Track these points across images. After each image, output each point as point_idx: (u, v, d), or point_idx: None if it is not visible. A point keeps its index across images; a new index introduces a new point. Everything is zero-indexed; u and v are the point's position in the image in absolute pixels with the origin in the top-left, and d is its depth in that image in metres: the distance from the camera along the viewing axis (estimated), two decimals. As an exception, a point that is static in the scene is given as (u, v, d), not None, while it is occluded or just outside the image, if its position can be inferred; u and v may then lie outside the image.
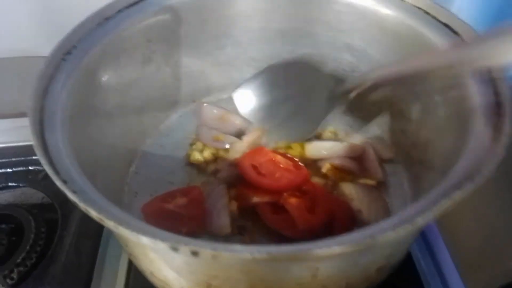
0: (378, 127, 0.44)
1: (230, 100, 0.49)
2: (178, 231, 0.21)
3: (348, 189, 0.39)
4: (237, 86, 0.49)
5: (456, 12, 0.55)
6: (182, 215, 0.37)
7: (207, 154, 0.43)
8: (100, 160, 0.36)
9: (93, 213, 0.22)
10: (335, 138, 0.45)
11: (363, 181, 0.40)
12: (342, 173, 0.41)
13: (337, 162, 0.41)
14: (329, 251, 0.19)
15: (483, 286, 0.40)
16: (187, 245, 0.20)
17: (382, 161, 0.42)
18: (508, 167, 0.45)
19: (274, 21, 0.44)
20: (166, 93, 0.46)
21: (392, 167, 0.42)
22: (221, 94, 0.50)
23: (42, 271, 0.38)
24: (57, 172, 0.25)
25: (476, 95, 0.30)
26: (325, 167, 0.41)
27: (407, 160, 0.41)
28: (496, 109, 0.27)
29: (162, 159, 0.44)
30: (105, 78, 0.37)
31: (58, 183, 0.24)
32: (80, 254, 0.41)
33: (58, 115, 0.30)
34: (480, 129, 0.27)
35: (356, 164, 0.41)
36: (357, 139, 0.44)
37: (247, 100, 0.45)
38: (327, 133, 0.45)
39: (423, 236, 0.41)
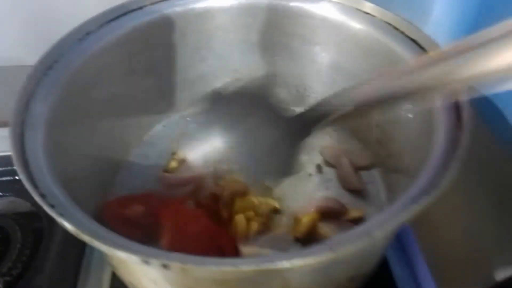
0: (353, 136, 0.46)
1: (212, 110, 0.50)
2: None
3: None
4: (219, 96, 0.51)
5: (434, 23, 0.58)
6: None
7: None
8: (83, 173, 0.37)
9: (69, 227, 0.23)
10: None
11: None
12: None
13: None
14: (293, 264, 0.20)
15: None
16: (158, 258, 0.21)
17: (358, 168, 0.43)
18: (487, 174, 0.47)
19: (252, 34, 0.46)
20: (150, 104, 0.47)
21: (369, 175, 0.44)
22: (204, 105, 0.51)
23: (27, 281, 0.39)
24: (35, 186, 0.26)
25: (440, 110, 0.31)
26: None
27: (383, 168, 0.43)
28: (457, 122, 0.29)
29: (147, 169, 0.45)
30: (87, 91, 0.38)
31: (36, 197, 0.25)
32: (66, 264, 0.42)
33: (39, 130, 0.31)
34: (441, 143, 0.28)
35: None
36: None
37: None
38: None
39: (399, 242, 0.43)
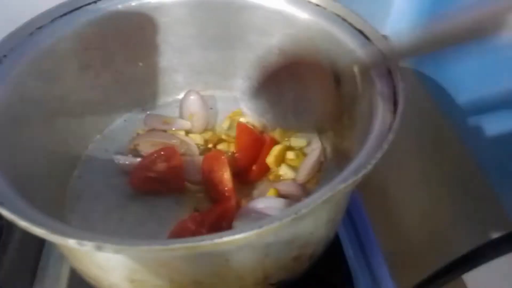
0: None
1: (176, 103, 0.51)
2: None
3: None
4: (181, 90, 0.52)
5: (394, 18, 0.59)
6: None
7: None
8: (37, 167, 0.37)
9: (6, 214, 0.23)
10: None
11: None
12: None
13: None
14: (218, 243, 0.21)
15: (412, 279, 0.43)
16: (92, 240, 0.21)
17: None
18: (443, 157, 0.49)
19: (209, 27, 0.46)
20: (109, 98, 0.47)
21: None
22: (166, 98, 0.52)
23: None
24: None
25: (381, 90, 0.33)
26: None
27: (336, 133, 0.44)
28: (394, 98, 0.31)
29: (107, 163, 0.45)
30: (40, 86, 0.38)
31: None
32: (24, 260, 0.42)
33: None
34: (376, 126, 0.30)
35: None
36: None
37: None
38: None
39: (352, 225, 0.44)
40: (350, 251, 0.43)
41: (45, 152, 0.39)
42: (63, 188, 0.42)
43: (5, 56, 0.35)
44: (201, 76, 0.51)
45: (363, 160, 0.27)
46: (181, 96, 0.52)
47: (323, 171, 0.43)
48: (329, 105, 0.37)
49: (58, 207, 0.41)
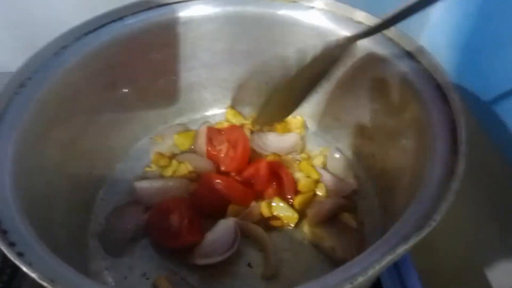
0: (348, 149, 0.44)
1: (202, 120, 0.49)
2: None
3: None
4: (209, 106, 0.49)
5: (432, 28, 0.56)
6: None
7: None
8: (59, 191, 0.36)
9: (28, 271, 0.21)
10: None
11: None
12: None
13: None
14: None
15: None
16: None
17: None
18: (486, 183, 0.46)
19: (240, 42, 0.43)
20: (134, 116, 0.45)
21: (364, 192, 0.42)
22: (193, 115, 0.50)
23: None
24: (4, 231, 0.24)
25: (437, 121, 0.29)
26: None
27: (377, 186, 0.41)
28: (453, 145, 0.27)
29: (131, 183, 0.43)
30: (64, 106, 0.36)
31: (5, 248, 0.23)
32: None
33: (10, 151, 0.30)
34: (436, 168, 0.26)
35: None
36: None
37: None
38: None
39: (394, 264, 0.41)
40: (387, 282, 0.40)
41: (68, 175, 0.37)
42: (86, 212, 0.41)
43: (29, 78, 0.33)
44: (229, 92, 0.49)
45: (423, 211, 0.23)
46: (209, 112, 0.50)
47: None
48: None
49: (80, 231, 0.39)
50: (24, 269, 0.22)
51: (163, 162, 0.44)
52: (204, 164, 0.44)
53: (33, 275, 0.21)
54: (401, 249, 0.21)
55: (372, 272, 0.20)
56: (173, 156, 0.45)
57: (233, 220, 0.38)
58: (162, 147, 0.46)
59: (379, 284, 0.39)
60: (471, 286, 0.50)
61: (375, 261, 0.20)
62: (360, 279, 0.19)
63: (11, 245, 0.23)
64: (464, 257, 0.52)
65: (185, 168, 0.43)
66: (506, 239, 0.43)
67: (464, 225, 0.51)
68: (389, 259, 0.20)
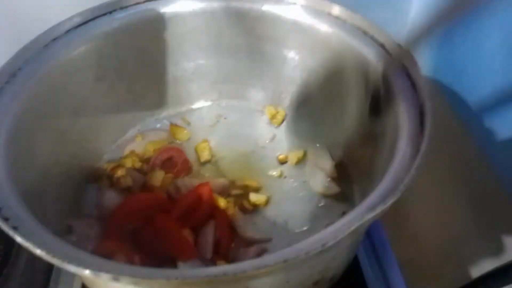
0: (327, 140, 0.46)
1: (189, 112, 0.50)
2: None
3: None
4: (195, 99, 0.51)
5: (410, 27, 0.58)
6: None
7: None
8: (52, 180, 0.37)
9: (21, 241, 0.23)
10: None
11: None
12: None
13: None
14: (240, 276, 0.20)
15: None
16: (108, 272, 0.21)
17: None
18: (461, 169, 0.48)
19: (225, 38, 0.45)
20: (122, 109, 0.46)
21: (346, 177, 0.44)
22: (180, 107, 0.51)
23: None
24: None
25: (407, 107, 0.31)
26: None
27: (355, 172, 0.43)
28: (419, 128, 0.29)
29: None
30: (55, 98, 0.38)
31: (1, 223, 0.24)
32: (36, 272, 0.41)
33: (2, 139, 0.31)
34: (403, 147, 0.28)
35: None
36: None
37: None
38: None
39: (371, 243, 0.43)
40: (367, 269, 0.42)
41: (59, 164, 0.38)
42: (77, 200, 0.42)
43: (20, 69, 0.35)
44: (215, 85, 0.51)
45: (390, 184, 0.26)
46: (195, 105, 0.51)
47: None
48: (361, 121, 0.36)
49: (74, 214, 0.40)
50: (19, 239, 0.23)
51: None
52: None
53: (27, 244, 0.22)
54: (368, 216, 0.22)
55: (342, 236, 0.22)
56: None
57: None
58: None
59: (362, 277, 0.40)
60: (451, 276, 0.52)
61: (345, 228, 0.22)
62: (331, 243, 0.21)
63: (5, 220, 0.24)
64: (443, 248, 0.54)
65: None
66: (485, 230, 0.45)
67: (444, 217, 0.53)
68: (357, 225, 0.22)
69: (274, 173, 0.45)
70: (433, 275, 0.55)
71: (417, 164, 0.25)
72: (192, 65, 0.48)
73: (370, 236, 0.43)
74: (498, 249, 0.44)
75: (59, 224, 0.36)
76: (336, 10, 0.40)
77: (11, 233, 0.23)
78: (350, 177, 0.43)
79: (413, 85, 0.33)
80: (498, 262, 0.43)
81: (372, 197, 0.25)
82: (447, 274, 0.53)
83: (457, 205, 0.50)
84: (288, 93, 0.49)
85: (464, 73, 0.46)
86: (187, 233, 0.37)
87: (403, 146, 0.29)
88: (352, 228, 0.22)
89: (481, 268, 0.47)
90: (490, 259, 0.45)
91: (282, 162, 0.46)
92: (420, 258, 0.56)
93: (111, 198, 0.41)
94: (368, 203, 0.25)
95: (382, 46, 0.36)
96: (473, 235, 0.47)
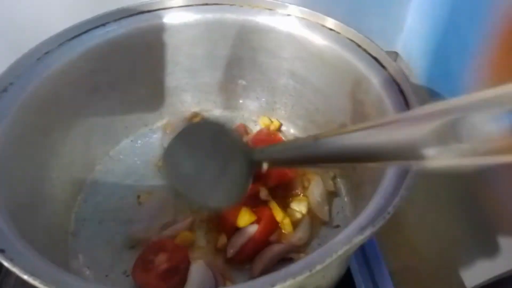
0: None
1: (182, 123, 0.50)
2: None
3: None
4: (189, 109, 0.51)
5: (407, 31, 0.58)
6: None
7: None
8: (42, 194, 0.37)
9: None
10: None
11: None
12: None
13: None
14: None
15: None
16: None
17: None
18: (453, 180, 0.48)
19: (220, 48, 0.45)
20: (116, 119, 0.46)
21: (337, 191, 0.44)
22: (173, 117, 0.51)
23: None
24: None
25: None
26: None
27: (347, 184, 0.43)
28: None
29: (113, 185, 0.45)
30: (46, 112, 0.37)
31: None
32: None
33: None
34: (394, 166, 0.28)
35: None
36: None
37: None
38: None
39: (363, 253, 0.43)
40: (358, 278, 0.41)
41: (50, 178, 0.38)
42: (67, 212, 0.42)
43: (11, 83, 0.35)
44: (210, 96, 0.50)
45: (380, 205, 0.26)
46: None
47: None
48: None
49: (62, 231, 0.40)
50: (6, 264, 0.23)
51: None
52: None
53: (14, 269, 0.22)
54: (357, 239, 0.22)
55: (329, 261, 0.22)
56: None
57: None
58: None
59: (353, 284, 0.40)
60: (445, 284, 0.52)
61: (333, 251, 0.22)
62: (318, 267, 0.21)
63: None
64: (437, 256, 0.54)
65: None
66: (477, 238, 0.45)
67: (437, 225, 0.53)
68: (345, 248, 0.22)
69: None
70: (426, 283, 0.55)
71: (406, 185, 0.25)
72: (186, 76, 0.48)
73: (362, 246, 0.43)
74: (493, 259, 0.44)
75: (49, 238, 0.36)
76: (330, 23, 0.40)
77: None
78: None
79: (406, 101, 0.33)
80: (493, 271, 0.43)
81: (362, 217, 0.25)
82: (440, 283, 0.53)
83: (451, 214, 0.50)
84: (282, 104, 0.49)
85: (459, 83, 0.46)
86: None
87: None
88: (340, 252, 0.22)
89: (475, 278, 0.47)
90: (484, 268, 0.45)
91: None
92: (414, 266, 0.56)
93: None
94: (358, 224, 0.24)
95: (375, 59, 0.36)
96: (468, 244, 0.47)
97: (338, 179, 0.44)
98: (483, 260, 0.45)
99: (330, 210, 0.42)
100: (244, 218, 0.38)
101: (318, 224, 0.41)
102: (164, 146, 0.47)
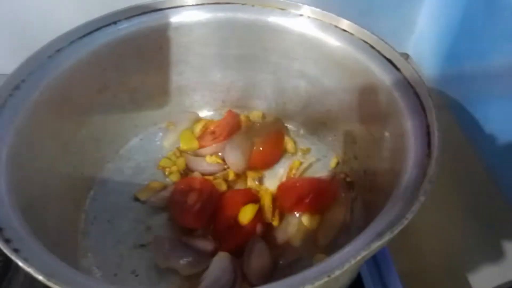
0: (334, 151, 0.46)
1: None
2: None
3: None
4: (199, 108, 0.51)
5: (419, 34, 0.58)
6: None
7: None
8: (52, 191, 0.37)
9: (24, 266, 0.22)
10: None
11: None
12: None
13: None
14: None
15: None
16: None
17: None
18: (466, 187, 0.47)
19: (230, 48, 0.45)
20: (125, 118, 0.46)
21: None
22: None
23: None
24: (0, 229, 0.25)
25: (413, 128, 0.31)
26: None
27: (359, 187, 0.43)
28: (427, 150, 0.29)
29: (122, 183, 0.44)
30: (58, 109, 0.37)
31: (1, 244, 0.24)
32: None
33: (4, 153, 0.31)
34: (409, 169, 0.28)
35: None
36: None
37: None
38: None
39: (373, 258, 0.43)
40: (369, 283, 0.41)
41: (60, 175, 0.38)
42: (77, 211, 0.42)
43: (23, 81, 0.34)
44: (219, 95, 0.50)
45: (397, 210, 0.25)
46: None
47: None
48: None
49: (72, 229, 0.40)
50: (20, 264, 0.23)
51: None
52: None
53: (29, 269, 0.22)
54: (375, 245, 0.22)
55: (348, 266, 0.21)
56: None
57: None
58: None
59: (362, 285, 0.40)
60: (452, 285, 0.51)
61: (351, 256, 0.22)
62: (337, 272, 0.21)
63: (7, 241, 0.24)
64: (446, 260, 0.54)
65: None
66: (487, 243, 0.45)
67: (447, 229, 0.52)
68: (363, 254, 0.22)
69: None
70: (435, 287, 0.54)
71: (424, 190, 0.25)
72: (196, 75, 0.47)
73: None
74: (501, 263, 0.44)
75: (59, 236, 0.36)
76: (343, 23, 0.39)
77: (13, 256, 0.23)
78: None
79: (421, 104, 0.32)
80: (501, 276, 0.42)
81: (378, 222, 0.25)
82: (449, 287, 0.52)
83: (460, 218, 0.49)
84: (293, 105, 0.48)
85: (472, 86, 0.46)
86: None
87: (409, 168, 0.29)
88: (359, 257, 0.21)
89: (483, 282, 0.46)
90: (493, 274, 0.45)
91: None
92: (422, 270, 0.56)
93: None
94: (375, 230, 0.24)
95: (389, 61, 0.36)
96: (476, 248, 0.47)
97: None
98: (492, 265, 0.45)
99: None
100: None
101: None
102: (163, 144, 0.48)
